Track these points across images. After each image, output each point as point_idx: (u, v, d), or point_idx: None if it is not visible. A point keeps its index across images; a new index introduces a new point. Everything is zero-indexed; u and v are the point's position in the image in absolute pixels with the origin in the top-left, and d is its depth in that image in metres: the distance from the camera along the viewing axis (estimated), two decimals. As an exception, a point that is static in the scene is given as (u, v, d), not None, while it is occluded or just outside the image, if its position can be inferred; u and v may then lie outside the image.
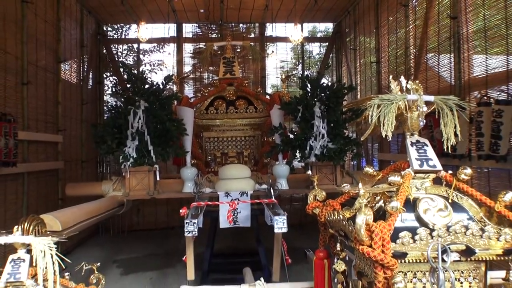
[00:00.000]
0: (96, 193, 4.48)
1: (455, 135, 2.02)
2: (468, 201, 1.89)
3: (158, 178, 4.12)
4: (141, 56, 8.92)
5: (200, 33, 8.86)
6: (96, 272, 2.42)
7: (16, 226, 2.12)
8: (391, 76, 2.06)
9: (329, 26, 9.65)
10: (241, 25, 9.10)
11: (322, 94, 4.29)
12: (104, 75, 9.00)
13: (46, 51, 5.81)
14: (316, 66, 9.92)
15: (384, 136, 1.97)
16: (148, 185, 4.03)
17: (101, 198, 4.41)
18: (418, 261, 1.69)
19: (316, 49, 10.22)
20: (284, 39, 9.08)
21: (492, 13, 3.99)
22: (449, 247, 1.65)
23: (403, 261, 1.69)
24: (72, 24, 7.01)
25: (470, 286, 1.80)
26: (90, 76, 8.18)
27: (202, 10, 7.82)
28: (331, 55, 9.38)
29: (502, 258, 1.72)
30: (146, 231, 8.10)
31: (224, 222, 3.70)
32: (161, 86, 4.24)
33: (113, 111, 4.18)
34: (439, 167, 1.96)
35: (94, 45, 8.25)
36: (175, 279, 5.00)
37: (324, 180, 4.36)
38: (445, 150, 4.49)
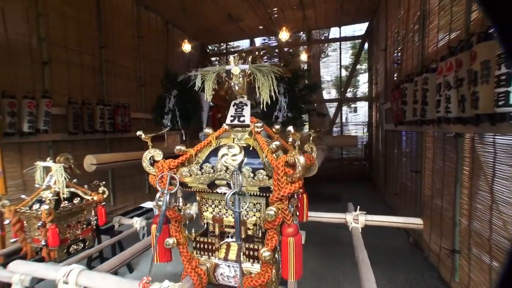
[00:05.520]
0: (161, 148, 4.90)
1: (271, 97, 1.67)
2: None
3: (184, 138, 4.38)
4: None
5: (266, 43, 8.59)
6: (102, 187, 2.79)
7: (49, 158, 2.60)
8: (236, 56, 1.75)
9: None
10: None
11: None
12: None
13: (158, 65, 6.38)
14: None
15: (207, 99, 1.76)
16: (177, 142, 4.33)
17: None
18: (199, 190, 1.52)
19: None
20: (324, 41, 8.28)
21: None
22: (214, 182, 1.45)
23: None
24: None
25: (254, 215, 1.53)
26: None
27: (260, 27, 7.56)
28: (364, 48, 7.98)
29: (260, 194, 1.41)
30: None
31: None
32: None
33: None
34: (247, 122, 1.65)
35: (200, 58, 8.51)
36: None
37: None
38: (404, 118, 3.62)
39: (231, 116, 1.69)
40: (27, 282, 1.71)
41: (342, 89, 8.23)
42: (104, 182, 2.79)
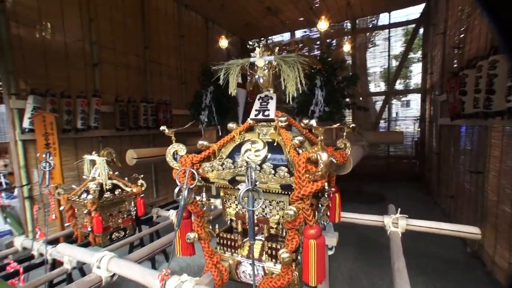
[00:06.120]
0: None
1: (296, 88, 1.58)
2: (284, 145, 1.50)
3: (220, 134, 4.42)
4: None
5: (306, 35, 8.29)
6: (140, 179, 2.97)
7: (94, 152, 2.83)
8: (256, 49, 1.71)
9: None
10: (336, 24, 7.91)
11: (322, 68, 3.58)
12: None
13: (198, 62, 6.43)
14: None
15: (230, 93, 1.73)
16: (213, 138, 4.40)
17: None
18: (222, 186, 1.52)
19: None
20: (371, 29, 7.71)
21: None
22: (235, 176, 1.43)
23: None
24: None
25: (277, 213, 1.49)
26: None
27: (301, 19, 7.31)
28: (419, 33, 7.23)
29: (281, 191, 1.35)
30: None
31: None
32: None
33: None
34: (272, 116, 1.59)
35: (240, 54, 8.52)
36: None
37: (324, 135, 3.55)
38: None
39: (256, 110, 1.65)
40: (74, 263, 1.89)
41: (390, 81, 7.64)
42: (142, 176, 2.95)
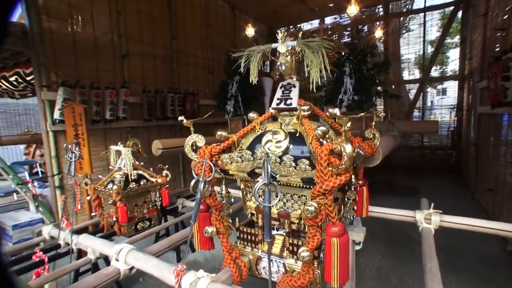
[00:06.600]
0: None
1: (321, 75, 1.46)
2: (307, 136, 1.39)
3: (246, 124, 4.28)
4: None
5: (336, 22, 7.85)
6: (165, 170, 2.98)
7: (119, 142, 2.88)
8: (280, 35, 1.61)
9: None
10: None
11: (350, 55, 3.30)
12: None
13: (224, 51, 6.31)
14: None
15: (251, 81, 1.64)
16: (239, 128, 4.31)
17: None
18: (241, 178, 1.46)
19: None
20: (405, 13, 7.13)
21: None
22: (254, 169, 1.35)
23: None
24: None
25: (299, 208, 1.41)
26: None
27: (331, 5, 6.91)
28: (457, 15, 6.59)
29: (302, 185, 1.26)
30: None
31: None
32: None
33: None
34: (294, 105, 1.49)
35: (268, 43, 8.15)
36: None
37: (353, 125, 3.28)
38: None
39: (278, 99, 1.56)
40: (97, 253, 1.93)
41: (425, 68, 7.10)
42: (167, 166, 2.96)
